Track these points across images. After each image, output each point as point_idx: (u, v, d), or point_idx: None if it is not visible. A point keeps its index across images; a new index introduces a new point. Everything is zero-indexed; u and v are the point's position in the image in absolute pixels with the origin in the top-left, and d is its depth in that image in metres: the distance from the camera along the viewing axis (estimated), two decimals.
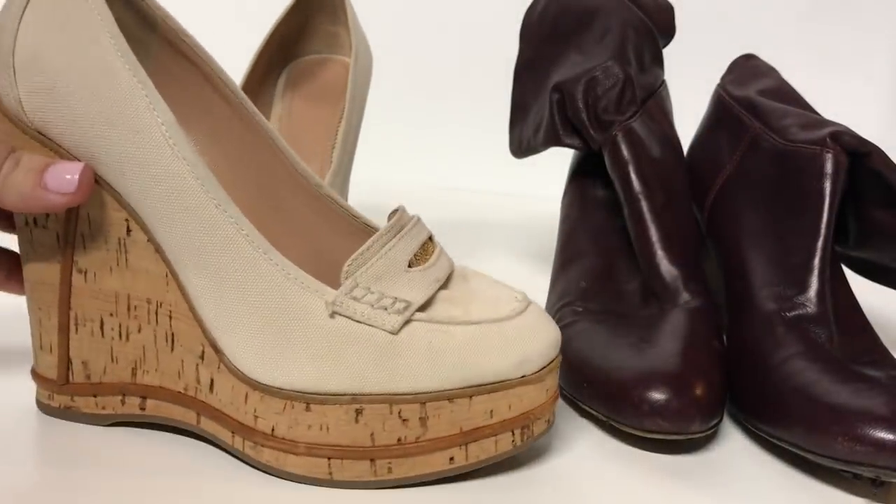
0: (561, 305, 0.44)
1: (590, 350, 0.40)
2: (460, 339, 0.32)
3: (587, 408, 0.39)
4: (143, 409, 0.35)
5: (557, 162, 0.57)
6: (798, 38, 0.91)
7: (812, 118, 0.45)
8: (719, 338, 0.41)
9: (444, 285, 0.35)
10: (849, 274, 0.44)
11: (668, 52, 0.54)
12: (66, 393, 0.36)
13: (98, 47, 0.32)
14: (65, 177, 0.32)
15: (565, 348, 0.41)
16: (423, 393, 0.32)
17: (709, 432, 0.37)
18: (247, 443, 0.33)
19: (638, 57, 0.50)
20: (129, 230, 0.34)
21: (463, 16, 0.91)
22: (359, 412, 0.31)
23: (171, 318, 0.34)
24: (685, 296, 0.42)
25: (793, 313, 0.40)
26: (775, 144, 0.45)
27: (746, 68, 0.53)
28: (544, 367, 0.33)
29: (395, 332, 0.32)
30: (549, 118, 0.51)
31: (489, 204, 0.77)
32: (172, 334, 0.34)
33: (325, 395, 0.31)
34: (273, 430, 0.32)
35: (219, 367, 0.33)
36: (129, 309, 0.34)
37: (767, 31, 0.90)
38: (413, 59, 0.87)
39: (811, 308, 0.40)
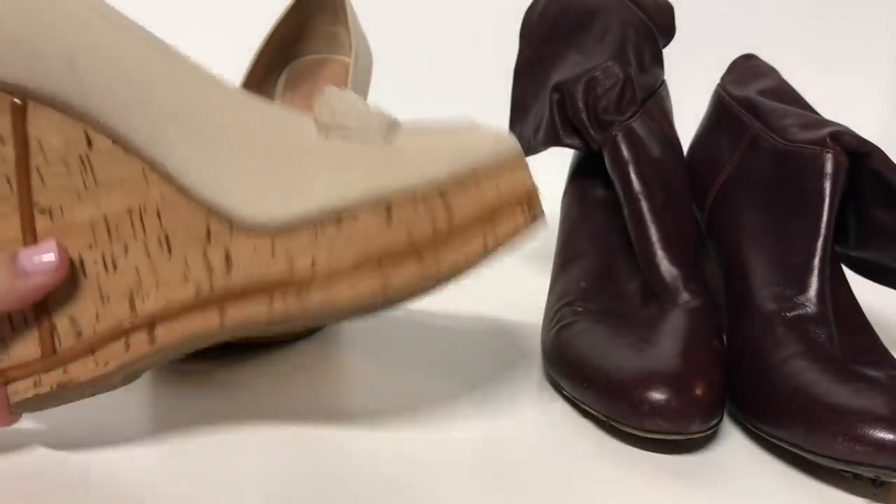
0: (561, 305, 0.44)
1: (590, 350, 0.40)
2: (447, 135, 0.33)
3: (587, 408, 0.39)
4: (152, 342, 0.31)
5: (557, 162, 0.57)
6: (798, 38, 0.91)
7: (812, 118, 0.45)
8: (719, 338, 0.41)
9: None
10: (849, 274, 0.44)
11: (668, 52, 0.54)
12: (57, 366, 0.31)
13: None
14: (42, 254, 0.30)
15: (565, 348, 0.41)
16: (436, 180, 0.31)
17: (709, 432, 0.37)
18: (289, 297, 0.31)
19: (638, 57, 0.50)
20: (89, 142, 0.31)
21: (463, 16, 0.91)
22: (389, 210, 0.31)
23: (159, 216, 0.31)
24: (685, 296, 0.42)
25: (793, 313, 0.40)
26: (775, 144, 0.45)
27: (746, 68, 0.53)
28: (519, 155, 0.34)
29: (386, 141, 0.32)
30: (549, 118, 0.51)
31: None
32: (166, 235, 0.31)
33: (349, 204, 0.31)
34: (314, 261, 0.31)
35: (231, 235, 0.31)
36: (109, 232, 0.31)
37: (767, 31, 0.90)
38: (413, 59, 0.87)
39: (811, 308, 0.40)
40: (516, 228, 0.33)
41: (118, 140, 0.30)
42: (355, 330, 0.49)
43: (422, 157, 0.32)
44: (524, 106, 0.55)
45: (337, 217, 0.30)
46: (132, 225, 0.31)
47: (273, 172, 0.31)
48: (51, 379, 0.31)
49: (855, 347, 0.39)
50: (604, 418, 0.38)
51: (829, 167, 0.42)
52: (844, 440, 0.33)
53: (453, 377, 0.43)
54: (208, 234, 0.31)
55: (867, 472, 0.33)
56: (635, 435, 0.37)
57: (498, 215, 0.33)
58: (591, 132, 0.48)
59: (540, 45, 0.55)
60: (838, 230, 0.45)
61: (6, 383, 0.32)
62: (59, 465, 0.33)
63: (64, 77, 0.30)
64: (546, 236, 0.55)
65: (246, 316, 0.31)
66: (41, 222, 0.31)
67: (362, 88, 0.56)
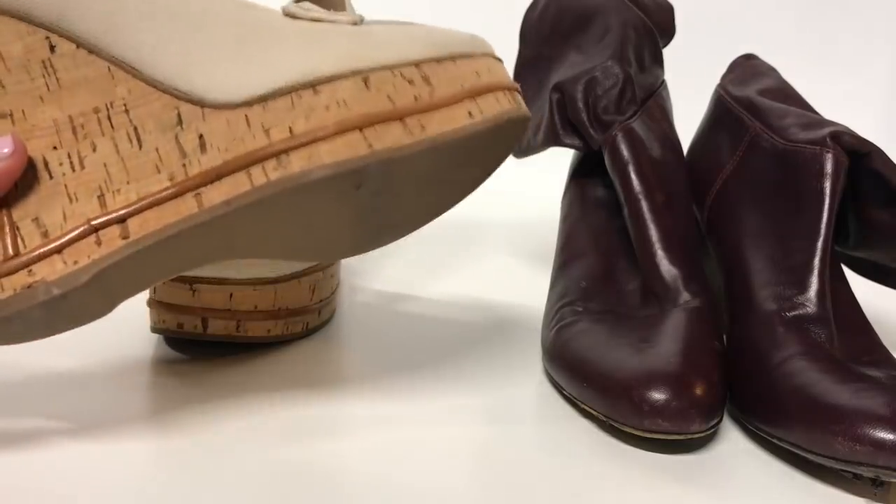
0: (561, 305, 0.44)
1: (590, 350, 0.40)
2: (417, 26, 0.34)
3: (587, 408, 0.39)
4: (126, 236, 0.30)
5: (557, 162, 0.57)
6: (798, 38, 0.91)
7: (812, 118, 0.45)
8: (719, 338, 0.41)
9: None
10: (849, 274, 0.44)
11: (668, 52, 0.54)
12: (21, 267, 0.29)
13: None
14: None
15: (565, 348, 0.41)
16: (412, 58, 0.32)
17: (709, 432, 0.37)
18: (268, 167, 0.30)
19: (638, 57, 0.50)
20: (52, 47, 0.30)
21: (463, 16, 0.91)
22: (366, 80, 0.31)
23: (127, 111, 0.30)
24: (685, 296, 0.42)
25: (793, 313, 0.40)
26: (775, 144, 0.45)
27: (746, 68, 0.53)
28: (493, 52, 0.35)
29: (357, 24, 0.32)
30: (548, 118, 0.51)
31: (489, 203, 0.77)
32: (135, 128, 0.30)
33: (326, 74, 0.31)
34: (291, 129, 0.30)
35: (203, 116, 0.30)
36: (74, 132, 0.30)
37: (767, 31, 0.90)
38: None
39: (811, 308, 0.40)
40: (500, 107, 0.33)
41: (81, 43, 0.30)
42: (355, 329, 0.49)
43: (395, 36, 0.32)
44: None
45: (312, 84, 0.30)
46: (99, 123, 0.30)
47: (242, 49, 0.30)
48: (14, 281, 0.29)
49: (855, 347, 0.39)
50: (604, 418, 0.38)
51: (829, 167, 0.42)
52: (844, 440, 0.33)
53: (453, 376, 0.43)
54: (179, 119, 0.30)
55: (867, 472, 0.33)
56: (635, 435, 0.37)
57: (481, 91, 0.33)
58: (591, 132, 0.48)
59: (540, 45, 0.55)
60: (838, 230, 0.45)
61: None
62: (57, 464, 0.33)
63: None
64: (546, 236, 0.55)
65: (225, 197, 0.30)
66: (2, 126, 0.30)
67: None
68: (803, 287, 0.40)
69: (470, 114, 0.32)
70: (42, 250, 0.29)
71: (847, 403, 0.34)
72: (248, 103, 0.30)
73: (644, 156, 0.47)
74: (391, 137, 0.31)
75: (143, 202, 0.30)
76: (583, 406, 0.39)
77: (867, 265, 0.48)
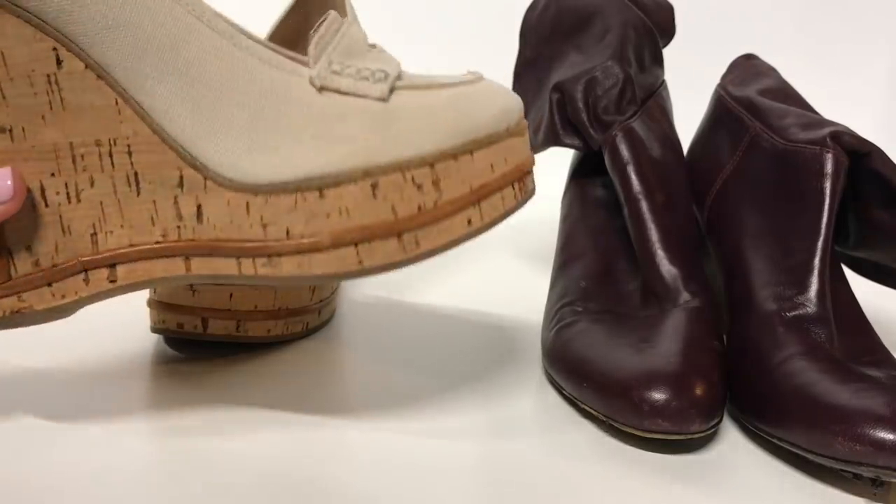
0: (561, 305, 0.44)
1: (590, 350, 0.40)
2: (448, 98, 0.32)
3: (587, 408, 0.39)
4: (113, 280, 0.30)
5: (557, 162, 0.57)
6: (798, 38, 0.91)
7: (812, 118, 0.45)
8: (719, 338, 0.41)
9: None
10: (849, 274, 0.44)
11: (668, 52, 0.54)
12: (10, 292, 0.30)
13: None
14: None
15: (565, 348, 0.41)
16: (429, 154, 0.30)
17: (709, 432, 0.37)
18: (258, 261, 0.30)
19: (638, 57, 0.50)
20: (59, 61, 0.29)
21: (463, 16, 0.91)
22: (374, 186, 0.29)
23: (130, 154, 0.29)
24: (685, 296, 0.42)
25: (793, 313, 0.40)
26: (775, 144, 0.45)
27: (746, 68, 0.53)
28: (521, 118, 0.34)
29: (385, 99, 0.31)
30: (548, 118, 0.51)
31: None
32: (136, 174, 0.30)
33: (336, 174, 0.29)
34: (288, 232, 0.29)
35: (205, 187, 0.29)
36: (74, 161, 0.29)
37: (767, 31, 0.90)
38: (413, 59, 0.87)
39: (811, 308, 0.40)
40: (505, 208, 0.33)
41: (91, 65, 0.29)
42: (355, 329, 0.49)
43: (418, 124, 0.31)
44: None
45: (320, 187, 0.29)
46: (100, 158, 0.30)
47: (260, 131, 0.29)
48: (3, 304, 0.30)
49: (855, 347, 0.39)
50: (604, 418, 0.38)
51: (829, 167, 0.42)
52: (844, 440, 0.33)
53: (453, 377, 0.43)
54: (181, 181, 0.30)
55: (867, 472, 0.33)
56: (635, 435, 0.37)
57: (488, 192, 0.32)
58: (591, 132, 0.48)
59: (540, 45, 0.55)
60: (838, 230, 0.45)
61: None
62: (56, 463, 0.33)
63: None
64: (546, 236, 0.55)
65: (212, 272, 0.30)
66: (1, 142, 0.29)
67: None
68: (803, 287, 0.40)
69: (469, 221, 0.32)
70: (32, 279, 0.30)
71: (847, 403, 0.34)
72: (252, 191, 0.29)
73: (644, 156, 0.47)
74: (384, 254, 0.30)
75: (135, 251, 0.30)
76: (583, 406, 0.39)
77: (867, 265, 0.48)
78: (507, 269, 0.62)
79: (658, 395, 0.35)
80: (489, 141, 0.32)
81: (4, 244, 0.30)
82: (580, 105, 0.49)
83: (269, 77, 0.30)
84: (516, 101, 0.34)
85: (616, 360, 0.38)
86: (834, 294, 0.40)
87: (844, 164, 0.42)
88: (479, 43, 0.85)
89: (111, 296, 0.31)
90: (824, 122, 0.44)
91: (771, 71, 0.53)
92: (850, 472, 0.34)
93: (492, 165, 0.32)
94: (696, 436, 0.36)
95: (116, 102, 0.29)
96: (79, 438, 0.35)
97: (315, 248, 0.29)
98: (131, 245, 0.30)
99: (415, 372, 0.43)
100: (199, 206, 0.30)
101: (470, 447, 0.36)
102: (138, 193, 0.30)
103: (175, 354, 0.43)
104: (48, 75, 0.29)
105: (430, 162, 0.30)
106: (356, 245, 0.30)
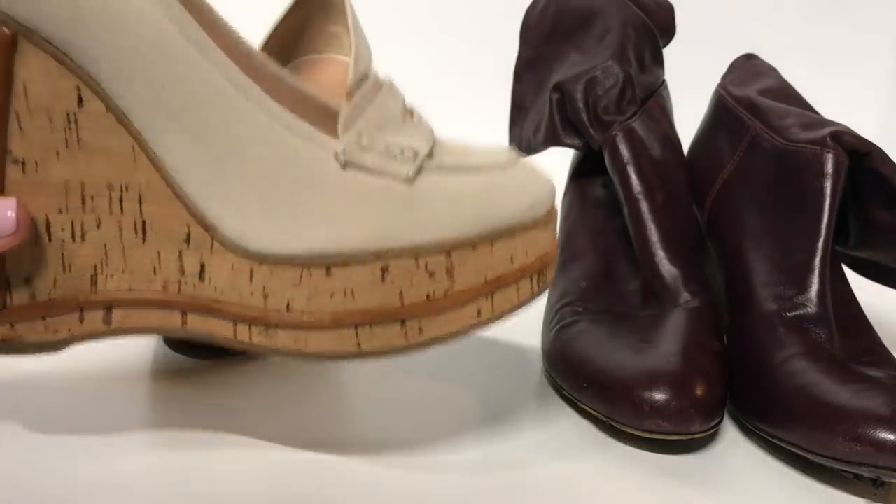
0: (561, 305, 0.44)
1: (590, 350, 0.40)
2: (476, 183, 0.30)
3: (587, 408, 0.39)
4: (108, 323, 0.30)
5: (557, 162, 0.57)
6: (798, 38, 0.91)
7: (812, 118, 0.45)
8: (720, 338, 0.41)
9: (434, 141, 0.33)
10: (849, 274, 0.44)
11: (668, 52, 0.54)
12: (3, 321, 0.29)
13: None
14: (0, 217, 0.27)
15: (565, 348, 0.41)
16: (448, 242, 0.29)
17: (709, 432, 0.37)
18: (254, 329, 0.29)
19: (638, 57, 0.50)
20: (80, 100, 0.28)
21: (463, 16, 0.91)
22: (385, 270, 0.28)
23: (141, 202, 0.29)
24: (685, 296, 0.42)
25: (793, 313, 0.40)
26: (776, 144, 0.45)
27: (746, 68, 0.53)
28: (549, 211, 0.32)
29: (410, 181, 0.29)
30: (548, 118, 0.51)
31: None
32: (144, 222, 0.29)
33: (346, 254, 0.28)
34: (289, 305, 0.28)
35: (211, 248, 0.29)
36: (83, 201, 0.29)
37: (767, 31, 0.90)
38: (413, 59, 0.87)
39: (811, 308, 0.40)
40: (519, 301, 0.31)
41: (113, 109, 0.28)
42: None
43: (440, 211, 0.29)
44: (524, 106, 0.55)
45: (328, 265, 0.28)
46: (109, 201, 0.29)
47: (276, 201, 0.28)
48: None
49: (855, 347, 0.39)
50: (604, 418, 0.38)
51: (829, 167, 0.42)
52: (845, 440, 0.33)
53: (453, 377, 0.43)
54: (188, 238, 0.29)
55: (867, 473, 0.33)
56: (635, 435, 0.36)
57: (502, 284, 0.31)
58: (591, 132, 0.48)
59: (540, 45, 0.55)
60: (839, 230, 0.45)
61: None
62: (56, 464, 0.33)
63: (66, 24, 0.27)
64: None
65: (207, 330, 0.30)
66: (12, 173, 0.28)
67: None
68: (804, 287, 0.40)
69: (479, 312, 0.30)
70: (27, 310, 0.29)
71: (847, 404, 0.34)
72: (258, 259, 0.28)
73: (644, 156, 0.47)
74: (384, 340, 0.29)
75: (133, 297, 0.29)
76: (583, 406, 0.39)
77: (867, 265, 0.48)
78: None
79: (658, 396, 0.35)
80: (512, 232, 0.31)
81: (3, 273, 0.29)
82: (580, 105, 0.49)
83: (293, 147, 0.29)
84: (548, 191, 0.33)
85: (616, 360, 0.38)
86: (834, 294, 0.40)
87: (845, 163, 0.42)
88: (480, 43, 0.85)
89: (103, 338, 0.30)
90: (825, 122, 0.44)
91: (771, 71, 0.53)
92: (850, 472, 0.34)
93: (511, 257, 0.31)
94: (696, 436, 0.36)
95: (133, 149, 0.28)
96: (76, 439, 0.35)
97: (314, 326, 0.29)
98: (130, 291, 0.30)
99: (413, 372, 0.43)
100: (202, 265, 0.29)
101: (470, 447, 0.36)
102: (144, 241, 0.29)
103: (175, 355, 0.43)
104: (68, 113, 0.28)
105: (446, 250, 0.29)
106: (356, 327, 0.29)
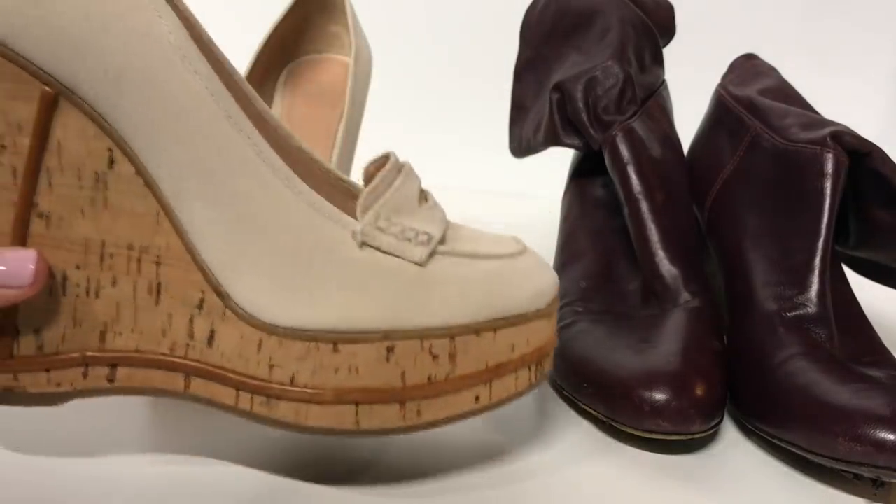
0: (561, 305, 0.44)
1: (590, 350, 0.40)
2: (485, 271, 0.32)
3: (587, 408, 0.39)
4: (111, 380, 0.30)
5: (557, 162, 0.57)
6: (798, 38, 0.91)
7: (812, 118, 0.45)
8: (720, 338, 0.41)
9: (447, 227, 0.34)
10: (849, 274, 0.44)
11: (668, 52, 0.54)
12: (8, 370, 0.29)
13: None
14: (18, 267, 0.28)
15: (565, 349, 0.41)
16: (454, 326, 0.30)
17: (709, 432, 0.37)
18: (256, 399, 0.29)
19: (638, 56, 0.50)
20: (111, 161, 0.28)
21: (463, 16, 0.91)
22: (390, 350, 0.29)
23: (158, 265, 0.29)
24: (685, 296, 0.42)
25: (793, 313, 0.40)
26: (776, 144, 0.45)
27: (746, 68, 0.53)
28: (551, 302, 0.33)
29: (422, 264, 0.30)
30: (548, 118, 0.51)
31: (489, 204, 0.77)
32: (159, 284, 0.29)
33: (356, 332, 0.29)
34: (293, 378, 0.29)
35: (223, 315, 0.29)
36: (102, 259, 0.29)
37: (767, 31, 0.90)
38: (413, 59, 0.87)
39: (812, 308, 0.40)
40: (517, 389, 0.32)
41: (142, 172, 0.29)
42: None
43: (449, 296, 0.30)
44: (524, 106, 0.55)
45: (336, 341, 0.29)
46: (128, 261, 0.29)
47: (293, 275, 0.29)
48: None
49: (855, 347, 0.39)
50: (604, 419, 0.38)
51: (829, 167, 0.42)
52: (845, 440, 0.33)
53: None
54: (201, 304, 0.29)
55: (867, 473, 0.33)
56: (635, 435, 0.36)
57: (502, 372, 0.32)
58: (591, 132, 0.48)
59: (540, 44, 0.55)
60: (839, 230, 0.45)
61: None
62: (57, 468, 0.33)
63: (105, 88, 0.28)
64: (546, 236, 0.55)
65: (209, 396, 0.30)
66: (36, 226, 0.29)
67: (362, 88, 0.56)
68: (804, 287, 0.40)
69: (477, 398, 0.31)
70: (33, 361, 0.30)
71: (848, 404, 0.34)
72: (269, 330, 0.29)
73: (644, 155, 0.47)
74: (382, 419, 0.30)
75: (139, 357, 0.30)
76: (583, 406, 0.39)
77: (867, 265, 0.48)
78: None
79: (658, 396, 0.35)
80: (516, 321, 0.32)
81: (14, 322, 0.29)
82: (580, 105, 0.49)
83: (314, 224, 0.29)
84: (552, 282, 0.34)
85: (616, 360, 0.38)
86: (834, 294, 0.40)
87: (845, 163, 0.42)
88: (479, 43, 0.85)
89: (104, 395, 0.31)
90: (825, 122, 0.44)
91: (771, 71, 0.53)
92: (850, 472, 0.34)
93: (513, 345, 0.32)
94: (697, 436, 0.36)
95: (158, 214, 0.29)
96: (74, 445, 0.35)
97: (315, 400, 0.29)
98: (137, 351, 0.30)
99: None
100: (212, 332, 0.30)
101: (469, 446, 0.36)
102: (157, 303, 0.30)
103: None
104: (97, 172, 0.29)
105: (452, 334, 0.30)
106: (357, 405, 0.29)
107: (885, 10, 0.93)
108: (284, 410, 0.29)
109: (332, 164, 0.51)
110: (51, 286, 0.29)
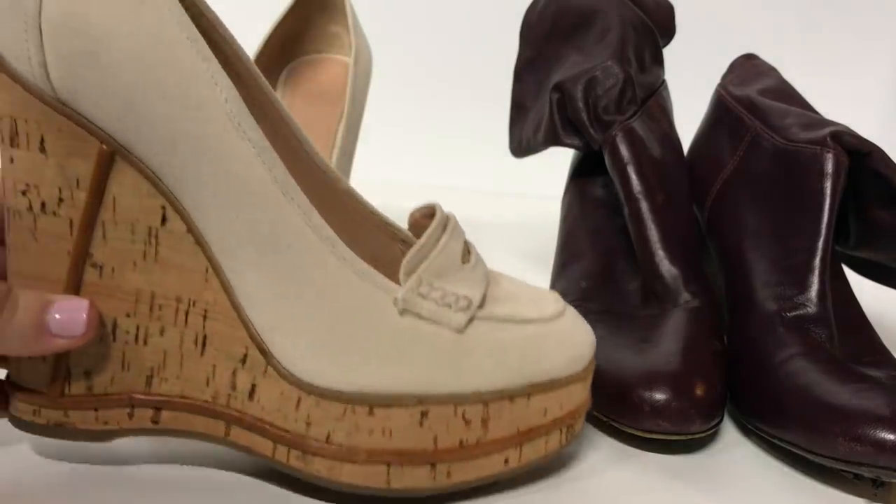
0: None
1: None
2: (521, 337, 0.32)
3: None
4: (155, 422, 0.32)
5: (557, 162, 0.57)
6: (798, 38, 0.91)
7: (812, 118, 0.45)
8: (720, 338, 0.41)
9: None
10: (849, 274, 0.44)
11: (668, 52, 0.54)
12: (59, 407, 0.31)
13: (154, 13, 0.28)
14: (72, 316, 0.29)
15: None
16: (488, 392, 0.31)
17: (709, 432, 0.37)
18: (293, 453, 0.30)
19: (638, 56, 0.50)
20: (164, 219, 0.30)
21: (463, 16, 0.91)
22: (424, 414, 0.30)
23: (205, 318, 0.31)
24: (685, 296, 0.42)
25: (793, 313, 0.40)
26: (776, 144, 0.45)
27: (746, 68, 0.53)
28: (587, 366, 0.34)
29: (460, 331, 0.31)
30: (549, 118, 0.51)
31: (489, 204, 0.77)
32: (205, 336, 0.31)
33: (391, 396, 0.30)
34: (329, 437, 0.30)
35: (265, 372, 0.30)
36: (151, 309, 0.31)
37: (767, 31, 0.90)
38: (413, 59, 0.87)
39: (812, 308, 0.40)
40: (547, 451, 0.33)
41: (193, 231, 0.30)
42: None
43: (485, 363, 0.31)
44: (524, 106, 0.55)
45: (372, 404, 0.30)
46: (176, 312, 0.31)
47: (333, 339, 0.30)
48: (50, 415, 0.31)
49: (855, 347, 0.39)
50: (604, 418, 0.38)
51: (829, 167, 0.42)
52: (845, 440, 0.33)
53: None
54: (244, 359, 0.30)
55: (867, 473, 0.33)
56: (635, 435, 0.36)
57: (533, 436, 0.32)
58: (592, 132, 0.48)
59: (540, 44, 0.55)
60: (838, 230, 0.45)
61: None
62: (55, 473, 0.33)
63: (160, 150, 0.29)
64: (546, 236, 0.55)
65: (248, 444, 0.31)
66: (89, 275, 0.30)
67: (362, 88, 0.56)
68: (804, 287, 0.40)
69: (507, 461, 0.32)
70: (82, 400, 0.31)
71: (848, 404, 0.34)
72: (307, 390, 0.30)
73: (644, 156, 0.47)
74: (413, 479, 0.31)
75: (182, 402, 0.31)
76: None
77: (867, 265, 0.48)
78: (507, 270, 0.61)
79: (658, 396, 0.35)
80: (550, 387, 0.32)
81: (66, 364, 0.31)
82: (580, 105, 0.49)
83: (359, 291, 0.30)
84: (588, 346, 0.34)
85: (616, 360, 0.38)
86: (834, 294, 0.40)
87: (845, 163, 0.42)
88: (480, 43, 0.85)
89: (149, 434, 0.32)
90: (825, 122, 0.44)
91: (771, 71, 0.53)
92: (850, 472, 0.34)
93: (546, 410, 0.32)
94: (697, 436, 0.36)
95: (206, 270, 0.30)
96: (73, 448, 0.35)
97: (349, 459, 0.30)
98: (181, 396, 0.31)
99: None
100: (253, 386, 0.31)
101: None
102: (202, 354, 0.31)
103: None
104: (150, 228, 0.30)
105: (485, 400, 0.31)
106: (388, 465, 0.30)
107: (884, 10, 0.93)
108: (319, 466, 0.30)
109: (333, 164, 0.51)
110: (103, 332, 0.31)
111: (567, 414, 0.33)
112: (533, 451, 0.32)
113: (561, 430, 0.33)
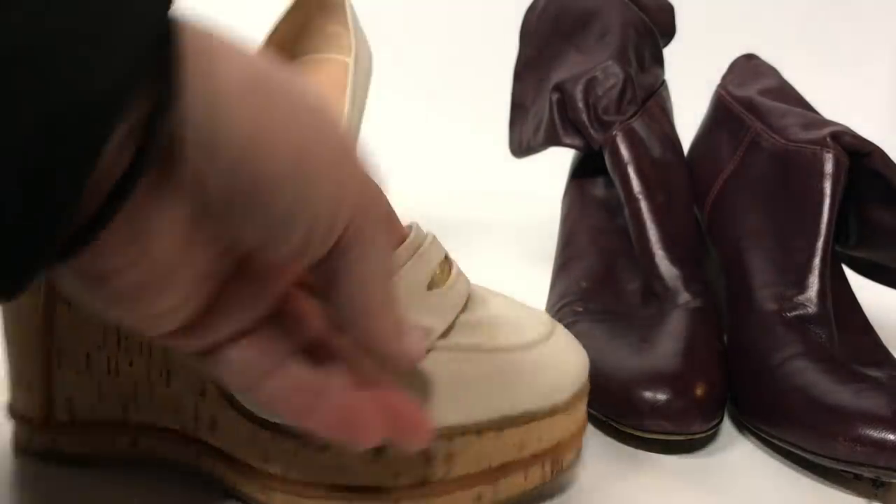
0: (561, 305, 0.44)
1: (590, 350, 0.39)
2: (487, 368, 0.30)
3: (587, 408, 0.39)
4: (135, 446, 0.32)
5: (557, 162, 0.57)
6: (798, 38, 0.91)
7: (812, 118, 0.45)
8: (720, 338, 0.41)
9: (464, 309, 0.31)
10: (849, 274, 0.44)
11: (668, 52, 0.54)
12: (48, 433, 0.32)
13: None
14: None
15: None
16: (447, 429, 0.29)
17: (709, 433, 0.37)
18: (255, 485, 0.30)
19: (638, 57, 0.50)
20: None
21: (463, 16, 0.91)
22: (378, 451, 0.29)
23: (166, 351, 0.31)
24: (685, 296, 0.42)
25: (793, 313, 0.40)
26: (776, 144, 0.45)
27: (746, 68, 0.53)
28: (574, 395, 0.32)
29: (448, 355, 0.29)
30: (548, 118, 0.51)
31: (489, 204, 0.77)
32: (168, 371, 0.31)
33: None
34: (286, 472, 0.30)
35: (223, 405, 0.30)
36: (118, 341, 0.31)
37: (767, 31, 0.90)
38: (413, 59, 0.87)
39: (812, 308, 0.40)
40: (526, 486, 0.31)
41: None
42: None
43: (444, 396, 0.29)
44: (524, 106, 0.55)
45: (324, 441, 0.28)
46: (141, 345, 0.31)
47: None
48: (41, 441, 0.33)
49: (855, 347, 0.39)
50: (604, 419, 0.38)
51: (829, 167, 0.42)
52: (845, 441, 0.33)
53: None
54: (203, 392, 0.31)
55: (868, 473, 0.33)
56: (635, 435, 0.36)
57: (508, 472, 0.30)
58: (592, 132, 0.48)
59: (540, 45, 0.55)
60: (839, 230, 0.45)
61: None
62: (56, 473, 0.33)
63: None
64: (546, 236, 0.55)
65: (218, 474, 0.31)
66: (60, 310, 0.31)
67: (362, 88, 0.56)
68: (803, 287, 0.40)
69: (479, 497, 0.30)
70: (67, 428, 0.32)
71: (848, 404, 0.34)
72: (262, 424, 0.30)
73: (644, 156, 0.47)
74: None
75: (157, 430, 0.32)
76: None
77: (867, 265, 0.48)
78: (507, 270, 0.61)
79: (658, 396, 0.35)
80: (524, 420, 0.30)
81: (54, 395, 0.32)
82: (580, 105, 0.49)
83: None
84: (577, 373, 0.32)
85: (616, 360, 0.38)
86: (834, 294, 0.40)
87: (845, 163, 0.42)
88: (480, 43, 0.85)
89: (131, 458, 0.33)
90: (825, 122, 0.44)
91: (771, 71, 0.53)
92: (850, 472, 0.34)
93: (521, 444, 0.30)
94: (697, 436, 0.36)
95: None
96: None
97: (307, 495, 0.30)
98: (156, 424, 0.32)
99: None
100: (214, 419, 0.31)
101: None
102: (167, 385, 0.31)
103: None
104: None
105: (447, 436, 0.29)
106: (349, 502, 0.29)
107: (885, 9, 0.93)
108: (280, 500, 0.30)
109: None
110: (77, 364, 0.32)
111: (550, 447, 0.31)
112: (511, 486, 0.30)
113: (542, 465, 0.31)
